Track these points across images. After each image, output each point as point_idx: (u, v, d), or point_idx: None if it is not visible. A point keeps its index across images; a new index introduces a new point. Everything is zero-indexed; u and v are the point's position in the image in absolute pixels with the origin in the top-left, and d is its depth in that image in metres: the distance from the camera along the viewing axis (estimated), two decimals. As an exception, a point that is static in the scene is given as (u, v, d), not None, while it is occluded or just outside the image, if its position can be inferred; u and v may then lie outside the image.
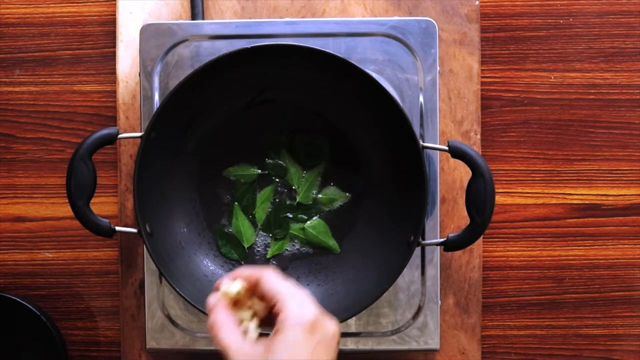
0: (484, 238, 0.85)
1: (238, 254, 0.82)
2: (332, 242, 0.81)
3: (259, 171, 0.82)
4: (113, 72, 0.85)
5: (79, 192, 0.72)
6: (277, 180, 0.82)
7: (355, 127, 0.80)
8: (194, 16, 0.83)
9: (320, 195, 0.82)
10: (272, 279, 0.60)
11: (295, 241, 0.82)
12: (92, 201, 0.73)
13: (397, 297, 0.81)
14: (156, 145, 0.74)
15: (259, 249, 0.83)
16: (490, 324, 0.86)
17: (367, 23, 0.80)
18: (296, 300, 0.58)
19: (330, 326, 0.58)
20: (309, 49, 0.72)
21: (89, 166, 0.72)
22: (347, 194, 0.82)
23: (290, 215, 0.82)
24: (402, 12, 0.83)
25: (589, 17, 0.85)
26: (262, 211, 0.82)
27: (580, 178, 0.85)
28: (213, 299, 0.61)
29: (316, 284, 0.81)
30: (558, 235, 0.85)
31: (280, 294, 0.59)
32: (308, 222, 0.82)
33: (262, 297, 0.60)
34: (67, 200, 0.72)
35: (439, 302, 0.81)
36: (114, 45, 0.85)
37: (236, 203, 0.82)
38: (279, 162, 0.82)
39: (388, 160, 0.78)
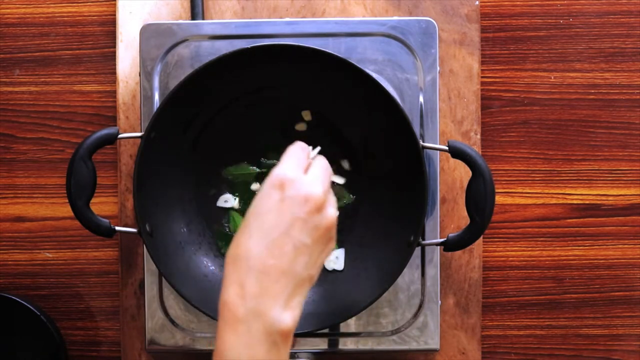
0: (484, 238, 0.85)
1: None
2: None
3: (257, 170, 0.82)
4: (113, 72, 0.85)
5: (79, 192, 0.72)
6: None
7: (355, 127, 0.80)
8: (194, 16, 0.83)
9: None
10: (291, 147, 0.65)
11: None
12: (92, 201, 0.73)
13: (397, 297, 0.81)
14: (156, 145, 0.74)
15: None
16: (490, 324, 0.86)
17: (367, 23, 0.80)
18: (283, 163, 0.62)
19: (303, 189, 0.60)
20: (309, 49, 0.72)
21: (89, 166, 0.72)
22: (352, 195, 0.82)
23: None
24: (402, 12, 0.83)
25: (589, 17, 0.85)
26: None
27: (580, 178, 0.85)
28: None
29: (316, 284, 0.81)
30: (558, 235, 0.85)
31: (283, 158, 0.63)
32: None
33: None
34: (67, 200, 0.72)
35: (439, 302, 0.81)
36: (114, 45, 0.85)
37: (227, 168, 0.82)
38: (276, 162, 0.82)
39: (388, 160, 0.78)
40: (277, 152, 0.82)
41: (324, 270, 0.81)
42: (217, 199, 0.82)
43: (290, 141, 0.82)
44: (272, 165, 0.81)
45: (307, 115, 0.81)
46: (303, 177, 0.61)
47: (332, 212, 0.62)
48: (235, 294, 0.57)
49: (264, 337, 0.56)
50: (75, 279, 0.86)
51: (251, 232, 0.59)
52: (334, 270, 0.81)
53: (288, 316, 0.57)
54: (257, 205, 0.60)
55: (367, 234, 0.80)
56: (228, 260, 0.59)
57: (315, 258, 0.60)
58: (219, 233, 0.82)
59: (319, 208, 0.60)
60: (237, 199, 0.82)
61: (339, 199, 0.82)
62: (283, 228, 0.58)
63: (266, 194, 0.60)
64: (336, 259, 0.81)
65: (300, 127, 0.81)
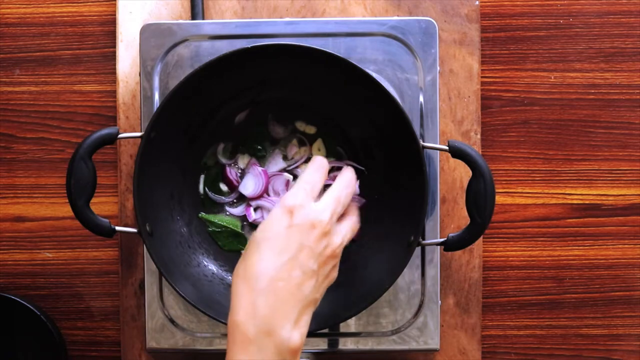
0: (484, 238, 0.85)
1: (241, 243, 0.82)
2: None
3: (231, 143, 0.81)
4: (113, 72, 0.85)
5: (79, 192, 0.72)
6: (259, 148, 0.82)
7: (355, 127, 0.80)
8: (194, 16, 0.83)
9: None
10: (310, 165, 0.69)
11: None
12: (92, 201, 0.73)
13: (397, 297, 0.81)
14: (156, 145, 0.74)
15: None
16: (490, 324, 0.86)
17: (367, 23, 0.80)
18: (294, 188, 0.65)
19: (311, 216, 0.63)
20: (309, 49, 0.72)
21: (89, 166, 0.72)
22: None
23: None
24: (402, 12, 0.83)
25: (589, 17, 0.85)
26: None
27: (580, 178, 0.85)
28: None
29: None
30: (558, 235, 0.85)
31: (296, 183, 0.67)
32: None
33: None
34: (67, 200, 0.72)
35: (439, 302, 0.81)
36: (114, 45, 0.85)
37: (201, 214, 0.82)
38: (263, 152, 0.82)
39: (388, 160, 0.78)
40: (267, 142, 0.82)
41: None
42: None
43: (290, 140, 0.83)
44: (262, 154, 0.82)
45: (301, 125, 0.81)
46: (311, 204, 0.64)
47: (336, 240, 0.65)
48: (246, 314, 0.59)
49: (275, 355, 0.59)
50: (75, 279, 0.86)
51: (261, 254, 0.61)
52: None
53: (297, 334, 0.60)
54: (267, 229, 0.63)
55: (367, 234, 0.80)
56: (237, 280, 0.62)
57: (321, 282, 0.64)
58: (214, 234, 0.82)
59: (325, 234, 0.63)
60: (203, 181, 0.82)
61: None
62: (291, 253, 0.61)
63: (276, 218, 0.63)
64: None
65: (307, 129, 0.81)
